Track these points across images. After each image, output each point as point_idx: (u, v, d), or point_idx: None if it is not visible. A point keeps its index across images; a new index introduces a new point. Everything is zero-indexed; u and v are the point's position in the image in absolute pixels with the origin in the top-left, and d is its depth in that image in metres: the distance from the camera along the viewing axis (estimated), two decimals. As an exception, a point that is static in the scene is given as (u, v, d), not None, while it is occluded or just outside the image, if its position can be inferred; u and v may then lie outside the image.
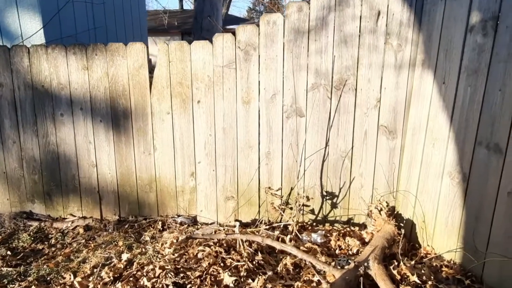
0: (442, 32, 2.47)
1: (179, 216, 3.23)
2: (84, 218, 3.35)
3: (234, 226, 2.99)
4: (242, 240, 2.65)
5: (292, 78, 2.85)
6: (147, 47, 3.00)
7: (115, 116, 3.12)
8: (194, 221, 3.22)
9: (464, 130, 2.35)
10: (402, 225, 2.86)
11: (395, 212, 2.94)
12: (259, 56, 2.85)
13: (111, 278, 2.44)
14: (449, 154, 2.46)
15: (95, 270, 2.57)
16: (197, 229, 3.06)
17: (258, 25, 2.81)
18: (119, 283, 2.34)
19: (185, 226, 3.09)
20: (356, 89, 2.81)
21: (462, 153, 2.37)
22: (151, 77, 3.04)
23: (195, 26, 6.70)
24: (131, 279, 2.39)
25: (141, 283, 2.34)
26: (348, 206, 3.03)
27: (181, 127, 3.07)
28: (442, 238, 2.56)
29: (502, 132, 2.13)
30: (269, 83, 2.89)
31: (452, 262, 2.48)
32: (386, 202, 2.93)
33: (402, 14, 2.63)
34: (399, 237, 2.63)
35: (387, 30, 2.67)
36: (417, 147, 2.73)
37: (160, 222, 3.16)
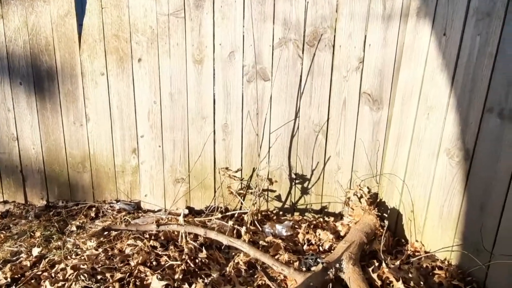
0: (443, -33, 1.90)
1: (118, 201, 2.66)
2: (5, 202, 2.76)
3: (179, 214, 2.43)
4: (185, 232, 2.10)
5: (255, 31, 2.26)
6: (75, -10, 2.38)
7: (38, 77, 2.51)
8: (137, 208, 2.65)
9: (469, 94, 1.80)
10: (386, 215, 2.33)
11: (378, 200, 2.40)
12: (213, 2, 2.25)
13: (8, 279, 1.87)
14: (447, 126, 1.91)
15: (-7, 268, 2.00)
16: (138, 217, 2.49)
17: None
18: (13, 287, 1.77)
19: (124, 213, 2.52)
20: (333, 46, 2.23)
21: (465, 124, 1.83)
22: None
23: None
24: (32, 281, 1.83)
25: (43, 287, 1.77)
26: (322, 192, 2.49)
27: (119, 92, 2.48)
28: (435, 232, 2.04)
29: (521, 94, 1.59)
30: (226, 37, 2.30)
31: (447, 262, 1.96)
32: (368, 187, 2.39)
33: None
34: (381, 231, 2.11)
35: (374, -32, 2.09)
36: (407, 119, 2.18)
37: (94, 209, 2.58)
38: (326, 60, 2.26)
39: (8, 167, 2.71)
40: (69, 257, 2.03)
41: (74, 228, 2.40)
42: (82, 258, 1.99)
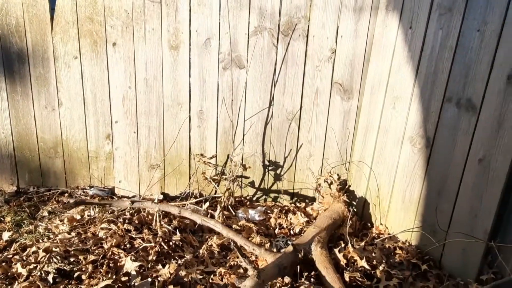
0: (411, -37, 1.99)
1: (92, 187, 2.65)
2: (-28, 188, 2.69)
3: (153, 199, 2.45)
4: (159, 216, 2.13)
5: (231, 18, 2.29)
6: (47, -30, 2.32)
7: (8, 60, 2.45)
8: (111, 194, 2.65)
9: (431, 85, 1.92)
10: (355, 203, 2.45)
11: (347, 186, 2.51)
12: (189, -13, 2.27)
13: (-22, 263, 1.86)
14: (411, 116, 2.03)
15: (-40, 252, 1.97)
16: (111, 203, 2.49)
17: None
18: (-17, 270, 1.76)
19: (98, 198, 2.52)
20: (307, 36, 2.30)
21: (427, 113, 1.94)
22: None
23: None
24: (3, 264, 1.82)
25: (14, 270, 1.77)
26: (294, 179, 2.57)
27: (93, 76, 2.46)
28: (398, 216, 2.16)
29: (477, 84, 1.71)
30: (202, 24, 2.32)
31: (407, 243, 2.09)
32: (338, 174, 2.50)
33: None
34: (349, 216, 2.21)
35: (346, -38, 2.16)
36: (375, 109, 2.28)
37: (66, 194, 2.56)
38: (300, 50, 2.32)
39: (-24, 152, 2.64)
40: (41, 241, 2.02)
41: (45, 214, 2.38)
42: (55, 241, 1.99)
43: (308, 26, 2.28)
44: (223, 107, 2.45)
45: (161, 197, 2.53)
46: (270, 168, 2.56)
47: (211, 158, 2.53)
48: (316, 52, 2.32)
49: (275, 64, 2.36)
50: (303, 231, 2.25)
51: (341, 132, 2.45)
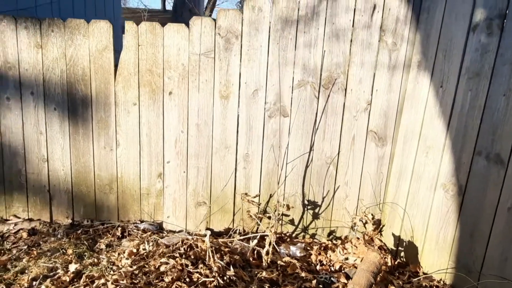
0: (441, 30, 2.27)
1: (142, 222, 2.85)
2: (31, 220, 2.90)
3: (205, 236, 2.65)
4: (212, 252, 2.32)
5: (277, 72, 2.57)
6: (113, 27, 2.62)
7: (73, 104, 2.72)
8: (159, 228, 2.85)
9: (462, 139, 2.15)
10: (389, 242, 2.63)
11: (381, 226, 2.71)
12: (241, 45, 2.55)
13: (54, 294, 2.05)
14: (444, 164, 2.25)
15: (34, 283, 2.17)
16: (162, 237, 2.69)
17: (242, 11, 2.52)
18: (62, 301, 1.95)
19: (149, 233, 2.72)
20: (346, 90, 2.56)
21: (459, 163, 2.17)
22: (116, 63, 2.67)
23: (174, 18, 6.32)
24: (77, 296, 2.01)
25: (90, 302, 1.96)
26: (331, 218, 2.77)
27: (149, 121, 2.71)
28: (432, 256, 2.35)
29: (504, 142, 1.94)
30: (251, 76, 2.59)
31: (442, 282, 2.27)
32: (372, 214, 2.70)
33: (399, 10, 2.42)
34: (385, 261, 2.36)
35: (382, 26, 2.45)
36: (409, 156, 2.51)
37: (119, 228, 2.77)
38: (338, 101, 2.58)
39: (36, 187, 2.87)
40: (106, 274, 2.21)
41: (103, 246, 2.59)
42: (119, 274, 2.18)
43: (347, 80, 2.54)
44: (267, 151, 2.68)
45: (208, 232, 2.72)
46: (309, 207, 2.77)
47: (254, 197, 2.75)
48: (353, 103, 2.57)
49: (316, 114, 2.61)
50: (342, 268, 2.43)
51: (375, 175, 2.67)
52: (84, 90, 2.70)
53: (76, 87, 2.70)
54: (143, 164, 2.79)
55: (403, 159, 2.55)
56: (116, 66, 2.66)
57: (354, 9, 2.44)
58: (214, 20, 2.54)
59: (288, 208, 2.67)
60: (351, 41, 2.48)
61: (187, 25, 2.59)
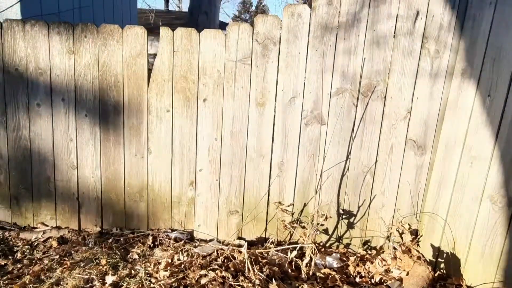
0: (489, 39, 2.21)
1: (173, 230, 2.80)
2: (59, 228, 2.84)
3: (239, 246, 2.59)
4: (251, 263, 2.27)
5: (315, 80, 2.51)
6: (148, 33, 2.57)
7: (104, 111, 2.67)
8: (190, 237, 2.79)
9: (513, 150, 2.09)
10: (428, 253, 2.57)
11: (419, 236, 2.65)
12: (279, 52, 2.50)
13: (94, 308, 1.99)
14: (491, 176, 2.19)
15: (73, 296, 2.11)
16: (195, 246, 2.64)
17: (279, 17, 2.46)
18: (105, 316, 1.90)
19: (181, 242, 2.66)
20: (385, 97, 2.51)
21: (509, 175, 2.11)
22: (149, 69, 2.61)
23: (190, 22, 6.26)
24: (119, 310, 1.95)
25: (133, 317, 1.90)
26: (366, 227, 2.72)
27: (182, 128, 2.66)
28: (476, 269, 2.29)
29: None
30: (288, 84, 2.54)
31: (488, 296, 2.21)
32: (408, 224, 2.64)
33: (443, 17, 2.37)
34: (433, 275, 2.30)
35: (424, 33, 2.39)
36: (450, 165, 2.45)
37: (150, 237, 2.71)
38: (377, 109, 2.52)
39: (65, 194, 2.81)
40: (145, 285, 2.16)
41: (136, 256, 2.53)
42: (159, 286, 2.12)
43: (387, 88, 2.49)
44: (303, 159, 2.63)
45: (245, 243, 2.67)
46: (344, 216, 2.71)
47: (288, 206, 2.69)
48: (393, 111, 2.52)
49: (354, 122, 2.55)
50: (383, 280, 2.37)
51: (413, 185, 2.61)
52: (116, 97, 2.64)
53: (108, 94, 2.64)
54: (175, 172, 2.73)
55: (444, 168, 2.50)
56: (149, 72, 2.61)
57: (397, 16, 2.38)
58: (252, 26, 2.49)
59: (326, 218, 2.61)
60: (392, 48, 2.43)
61: (202, 28, 2.55)
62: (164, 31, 2.52)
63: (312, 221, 2.53)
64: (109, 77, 2.62)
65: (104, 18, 4.89)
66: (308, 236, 2.57)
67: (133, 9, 5.99)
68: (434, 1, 2.35)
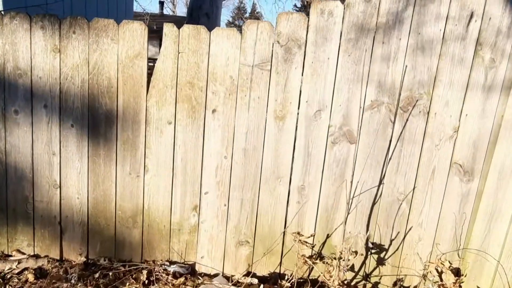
0: (562, 47, 1.83)
1: (171, 263, 2.38)
2: (37, 257, 2.42)
3: (251, 285, 2.18)
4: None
5: (346, 90, 2.12)
6: (148, 30, 2.17)
7: (94, 121, 2.25)
8: (191, 271, 2.38)
9: None
10: (474, 295, 2.17)
11: (462, 276, 2.25)
12: (304, 56, 2.10)
13: None
14: (562, 213, 1.80)
15: None
16: (198, 284, 2.22)
17: (307, 15, 2.07)
18: None
19: (181, 279, 2.24)
20: (428, 113, 2.11)
21: None
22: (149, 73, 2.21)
23: (189, 23, 5.86)
24: None
25: None
26: (399, 264, 2.31)
27: (186, 143, 2.25)
28: (540, 324, 1.89)
29: None
30: (314, 94, 2.14)
31: None
32: (449, 262, 2.24)
33: (502, 20, 1.99)
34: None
35: (479, 38, 2.01)
36: (505, 195, 2.06)
37: (145, 271, 2.28)
38: (419, 127, 2.13)
39: (45, 218, 2.39)
40: None
41: (127, 297, 2.11)
42: None
43: (430, 102, 2.10)
44: (328, 183, 2.23)
45: (254, 281, 2.26)
46: (373, 251, 2.31)
47: (309, 237, 2.28)
48: (437, 130, 2.13)
49: (390, 141, 2.16)
50: (425, 334, 1.97)
51: (457, 216, 2.22)
52: (109, 104, 2.23)
53: (100, 101, 2.23)
54: (176, 194, 2.32)
55: (497, 198, 2.11)
56: (149, 76, 2.20)
57: (447, 17, 2.00)
58: (272, 25, 2.10)
59: (356, 254, 2.20)
60: (439, 55, 2.04)
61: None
62: (168, 28, 2.12)
63: (340, 256, 2.12)
64: (101, 81, 2.21)
65: (97, 12, 4.48)
66: (331, 274, 2.16)
67: (129, 9, 5.59)
68: (492, 0, 1.97)
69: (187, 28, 2.12)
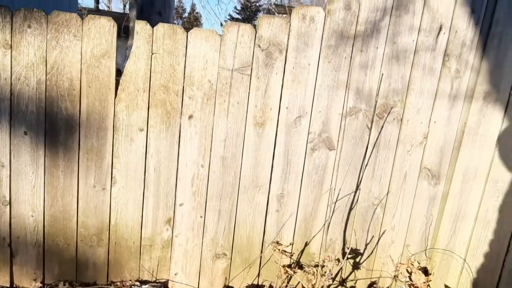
0: (519, 61, 2.01)
1: (142, 282, 2.19)
2: (-22, 286, 2.07)
3: (232, 300, 2.08)
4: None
5: (326, 97, 2.12)
6: (117, 27, 1.98)
7: (52, 128, 2.00)
8: (164, 289, 2.21)
9: (548, 185, 1.89)
10: (442, 293, 2.30)
11: (429, 274, 2.36)
12: (285, 61, 2.07)
13: None
14: (522, 212, 1.97)
15: None
16: (173, 304, 2.07)
17: (289, 20, 2.04)
18: None
19: (154, 299, 2.07)
20: (401, 120, 2.20)
21: (544, 212, 1.90)
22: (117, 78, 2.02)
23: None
24: None
25: None
26: (373, 267, 2.37)
27: (160, 152, 2.09)
28: (503, 316, 2.05)
29: None
30: (294, 100, 2.11)
31: None
32: (418, 262, 2.34)
33: (466, 33, 2.13)
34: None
35: (446, 50, 2.14)
36: (469, 198, 2.21)
37: (113, 294, 2.08)
38: (393, 134, 2.21)
39: (-11, 239, 2.06)
40: None
41: (95, 325, 1.89)
42: None
43: (404, 110, 2.19)
44: (306, 191, 2.21)
45: (235, 295, 2.16)
46: (349, 256, 2.33)
47: (287, 246, 2.24)
48: (409, 136, 2.22)
49: (367, 147, 2.21)
50: (404, 335, 2.02)
51: (425, 217, 2.33)
52: (70, 109, 1.99)
53: (59, 105, 1.99)
54: (147, 207, 2.14)
55: (462, 201, 2.25)
56: (117, 80, 2.01)
57: (419, 29, 2.10)
58: (254, 28, 2.03)
59: (338, 261, 2.21)
60: (412, 65, 2.13)
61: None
62: (141, 26, 1.96)
63: (322, 264, 2.11)
64: (61, 83, 1.97)
65: (39, 6, 4.05)
66: (313, 283, 2.15)
67: (73, 4, 5.16)
68: (459, 14, 2.10)
69: (162, 27, 1.97)
